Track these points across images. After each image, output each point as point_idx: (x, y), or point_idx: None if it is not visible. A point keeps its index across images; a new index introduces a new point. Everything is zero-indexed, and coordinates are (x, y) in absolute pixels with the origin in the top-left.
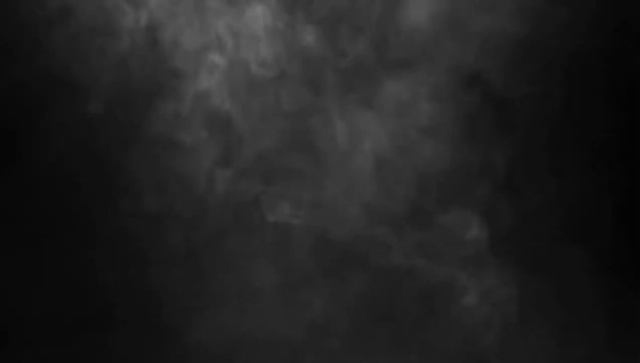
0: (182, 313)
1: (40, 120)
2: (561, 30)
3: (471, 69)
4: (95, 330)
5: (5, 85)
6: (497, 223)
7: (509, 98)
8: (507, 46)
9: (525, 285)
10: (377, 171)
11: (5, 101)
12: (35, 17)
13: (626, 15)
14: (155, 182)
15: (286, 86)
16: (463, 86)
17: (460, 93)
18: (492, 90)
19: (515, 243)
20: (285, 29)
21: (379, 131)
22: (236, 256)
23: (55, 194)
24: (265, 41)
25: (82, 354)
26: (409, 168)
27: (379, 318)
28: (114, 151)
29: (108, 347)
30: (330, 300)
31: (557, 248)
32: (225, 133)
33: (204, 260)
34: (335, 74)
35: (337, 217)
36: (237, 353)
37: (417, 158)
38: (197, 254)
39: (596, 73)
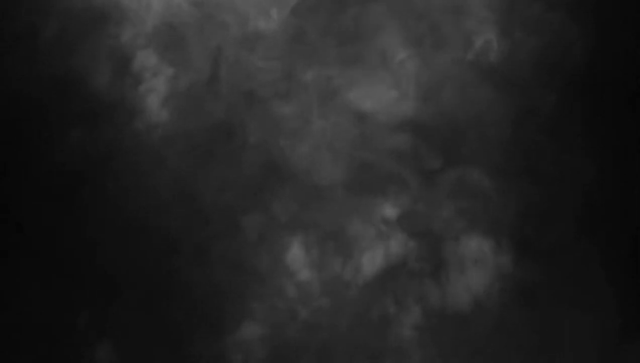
0: (185, 311)
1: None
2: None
3: (470, 37)
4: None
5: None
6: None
7: (510, 64)
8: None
9: (530, 267)
10: (374, 134)
11: (5, 101)
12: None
13: None
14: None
15: (282, 44)
16: (464, 53)
17: (461, 60)
18: (493, 55)
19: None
20: None
21: (377, 92)
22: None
23: (56, 193)
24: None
25: (83, 353)
26: (409, 132)
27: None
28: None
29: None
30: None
31: (571, 234)
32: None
33: (209, 255)
34: (334, 33)
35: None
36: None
37: (417, 121)
38: (202, 250)
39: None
